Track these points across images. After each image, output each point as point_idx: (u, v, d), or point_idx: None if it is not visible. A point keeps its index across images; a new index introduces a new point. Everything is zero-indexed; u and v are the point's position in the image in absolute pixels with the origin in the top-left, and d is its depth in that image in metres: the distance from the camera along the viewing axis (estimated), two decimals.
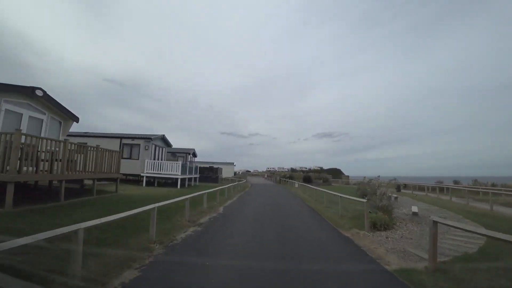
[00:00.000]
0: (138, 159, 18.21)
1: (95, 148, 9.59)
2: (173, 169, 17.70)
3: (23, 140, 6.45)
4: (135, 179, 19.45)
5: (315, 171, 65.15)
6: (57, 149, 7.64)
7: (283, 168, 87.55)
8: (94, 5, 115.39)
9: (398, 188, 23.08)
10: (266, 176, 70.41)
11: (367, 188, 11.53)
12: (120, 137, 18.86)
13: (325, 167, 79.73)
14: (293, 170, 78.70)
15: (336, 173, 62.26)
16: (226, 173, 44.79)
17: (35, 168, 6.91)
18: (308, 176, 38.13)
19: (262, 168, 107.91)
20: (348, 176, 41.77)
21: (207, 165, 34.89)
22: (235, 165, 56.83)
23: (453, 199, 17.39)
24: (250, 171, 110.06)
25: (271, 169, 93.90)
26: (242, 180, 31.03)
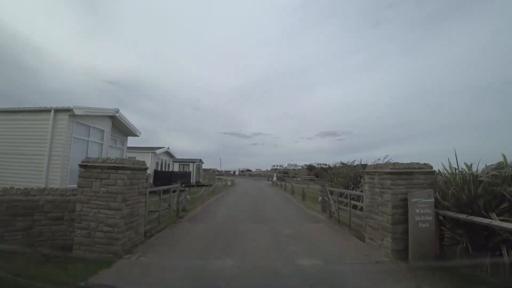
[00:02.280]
0: None
1: None
2: None
3: None
4: None
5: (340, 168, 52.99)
6: None
7: (296, 166, 74.23)
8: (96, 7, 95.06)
9: None
10: (274, 179, 36.98)
11: None
12: None
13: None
14: (310, 167, 65.14)
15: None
16: None
17: None
18: None
19: (265, 167, 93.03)
20: None
21: None
22: (172, 155, 23.07)
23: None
24: (251, 170, 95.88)
25: (279, 167, 78.99)
26: None
